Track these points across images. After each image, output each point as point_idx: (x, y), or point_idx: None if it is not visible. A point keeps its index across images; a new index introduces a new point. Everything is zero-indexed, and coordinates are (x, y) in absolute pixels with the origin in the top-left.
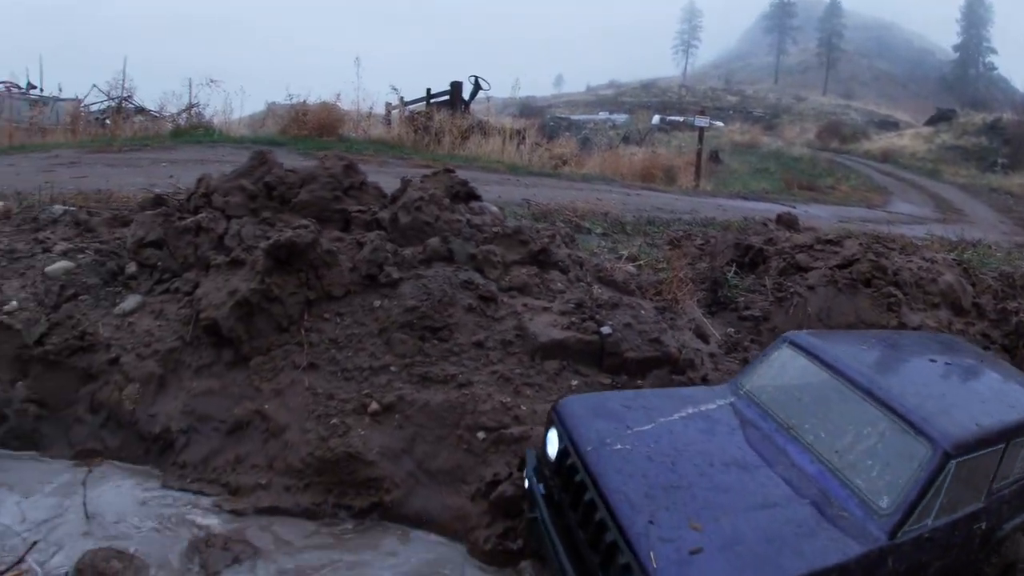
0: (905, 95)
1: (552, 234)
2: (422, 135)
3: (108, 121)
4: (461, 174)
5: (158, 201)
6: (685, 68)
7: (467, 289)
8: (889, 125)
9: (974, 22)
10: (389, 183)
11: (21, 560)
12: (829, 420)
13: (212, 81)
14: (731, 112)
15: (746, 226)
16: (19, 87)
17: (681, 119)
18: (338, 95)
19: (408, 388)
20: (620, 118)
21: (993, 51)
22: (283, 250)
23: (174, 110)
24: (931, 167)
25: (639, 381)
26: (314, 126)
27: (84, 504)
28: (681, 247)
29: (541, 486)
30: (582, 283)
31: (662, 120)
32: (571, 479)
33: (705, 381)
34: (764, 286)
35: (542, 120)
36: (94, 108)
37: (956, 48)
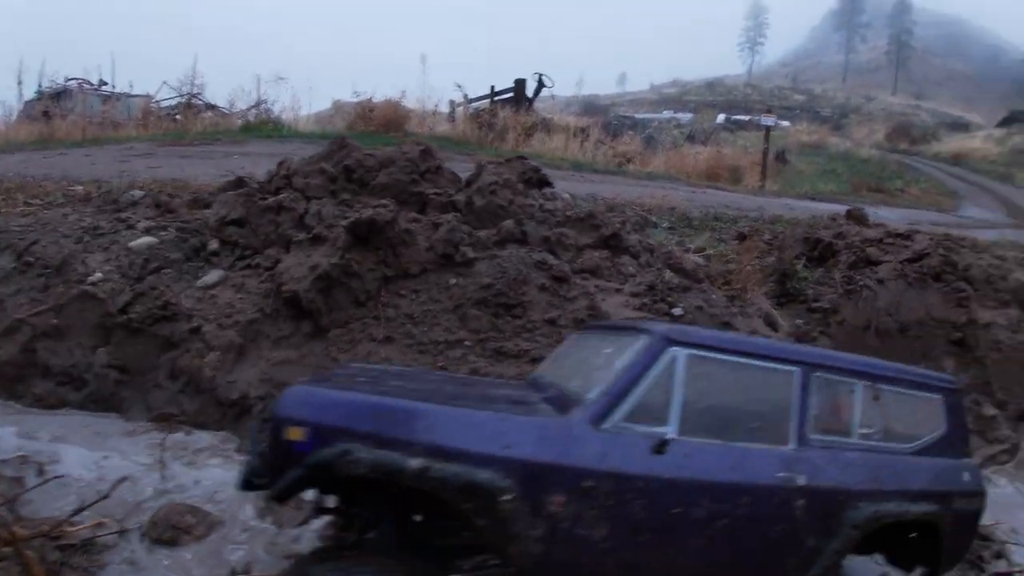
0: (977, 95)
1: (623, 220)
2: (486, 132)
3: (179, 116)
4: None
5: (239, 183)
6: (751, 66)
7: (540, 269)
8: (960, 126)
9: None
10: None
11: (106, 496)
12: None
13: (280, 78)
14: (798, 111)
15: (815, 221)
16: (91, 83)
17: (747, 118)
18: (403, 92)
19: (482, 361)
20: (684, 117)
21: None
22: (363, 227)
23: (243, 106)
24: (1003, 171)
25: None
26: (380, 123)
27: (161, 463)
28: (749, 241)
29: None
30: (652, 268)
31: (727, 119)
32: None
33: None
34: (833, 279)
35: (605, 118)
36: (165, 104)
37: None
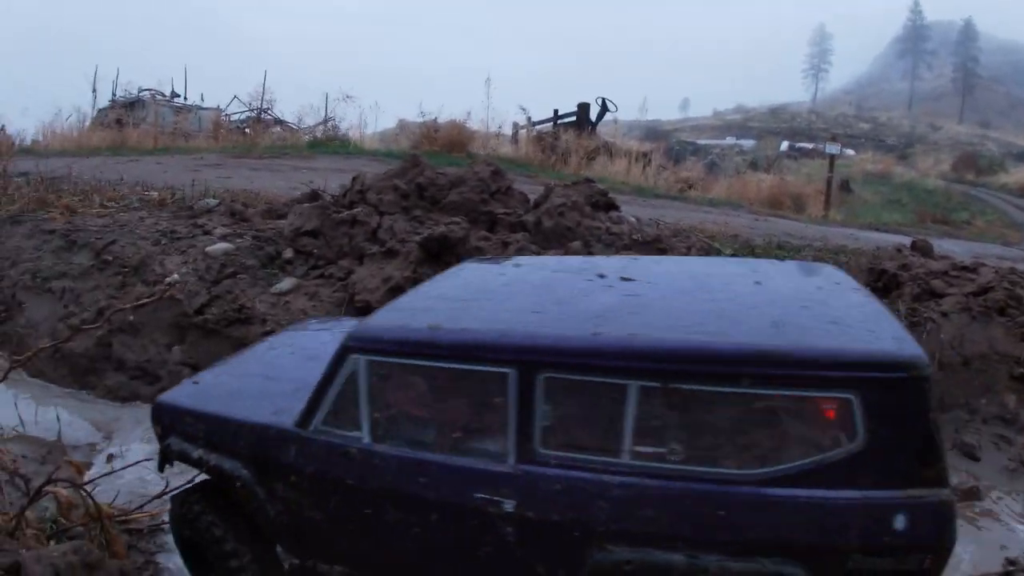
0: None
1: (688, 245)
2: (549, 155)
3: (248, 130)
4: None
5: (314, 195)
6: (815, 93)
7: None
8: None
9: None
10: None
11: (169, 490)
12: None
13: (347, 97)
14: (862, 140)
15: (879, 252)
16: (164, 95)
17: (811, 146)
18: (468, 113)
19: None
20: (747, 143)
21: None
22: (435, 243)
23: (311, 123)
24: None
25: None
26: (444, 143)
27: None
28: None
29: None
30: None
31: (790, 147)
32: None
33: None
34: (897, 311)
35: (667, 143)
36: (235, 117)
37: None
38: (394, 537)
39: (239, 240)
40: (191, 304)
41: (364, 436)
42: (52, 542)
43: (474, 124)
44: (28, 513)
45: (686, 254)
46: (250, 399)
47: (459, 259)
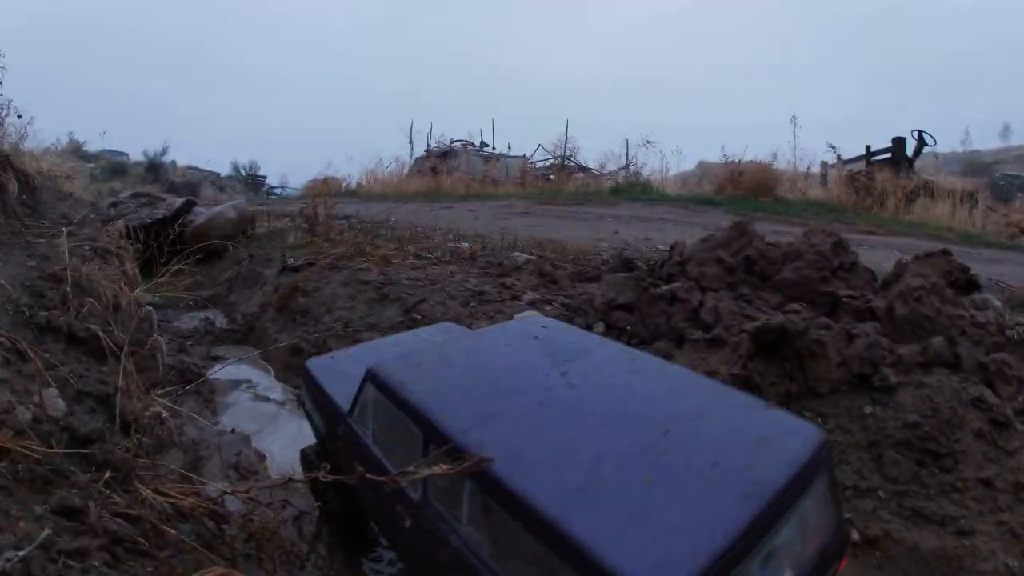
0: None
1: None
2: (863, 196)
3: (552, 177)
4: (907, 243)
5: (628, 264)
6: None
7: (977, 408)
8: None
9: None
10: None
11: None
12: None
13: (648, 142)
14: None
15: None
16: (474, 144)
17: None
18: (773, 154)
19: (896, 523)
20: None
21: None
22: (771, 334)
23: (612, 168)
24: None
25: None
26: (749, 186)
27: None
28: None
29: None
30: None
31: None
32: None
33: None
34: None
35: (989, 178)
36: (539, 164)
37: None
38: (370, 503)
39: (548, 308)
40: None
41: (368, 438)
42: None
43: (780, 165)
44: None
45: None
46: (342, 380)
47: (796, 354)
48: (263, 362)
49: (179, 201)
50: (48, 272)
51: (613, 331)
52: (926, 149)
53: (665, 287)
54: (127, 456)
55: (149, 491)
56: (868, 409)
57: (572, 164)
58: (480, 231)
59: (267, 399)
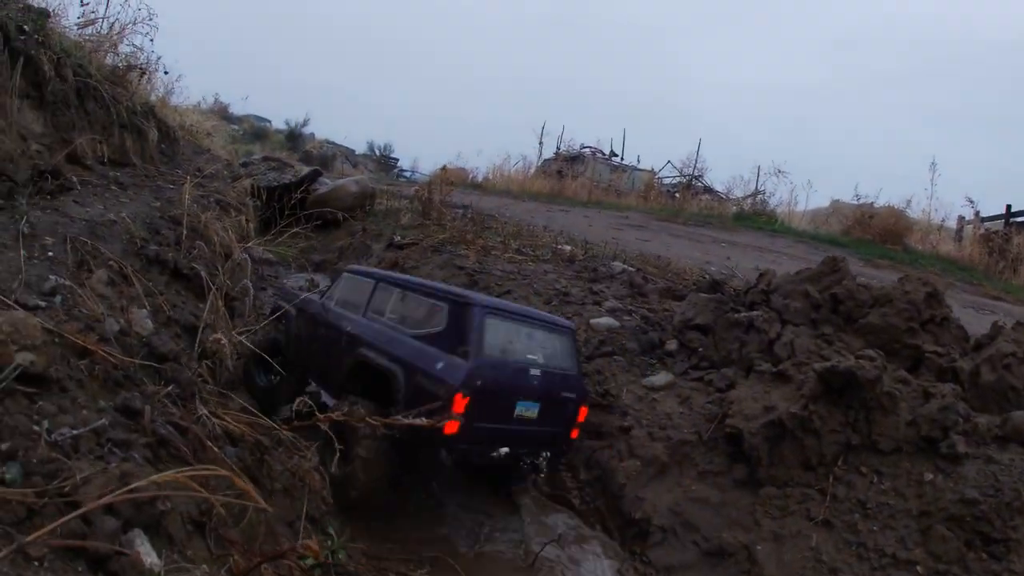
0: None
1: None
2: (996, 259)
3: (677, 195)
4: None
5: (714, 286)
6: None
7: None
8: None
9: None
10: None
11: None
12: None
13: (780, 172)
14: None
15: None
16: (603, 153)
17: None
18: (908, 201)
19: None
20: None
21: None
22: (838, 378)
23: (739, 194)
24: None
25: None
26: (878, 231)
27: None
28: None
29: None
30: None
31: None
32: None
33: None
34: None
35: None
36: (666, 181)
37: None
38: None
39: (627, 318)
40: None
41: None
42: None
43: (914, 213)
44: None
45: None
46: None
47: (864, 403)
48: None
49: (306, 170)
50: (168, 214)
51: (684, 350)
52: None
53: (744, 314)
54: (194, 378)
55: (206, 411)
56: (928, 476)
57: (699, 184)
58: (590, 238)
59: None
